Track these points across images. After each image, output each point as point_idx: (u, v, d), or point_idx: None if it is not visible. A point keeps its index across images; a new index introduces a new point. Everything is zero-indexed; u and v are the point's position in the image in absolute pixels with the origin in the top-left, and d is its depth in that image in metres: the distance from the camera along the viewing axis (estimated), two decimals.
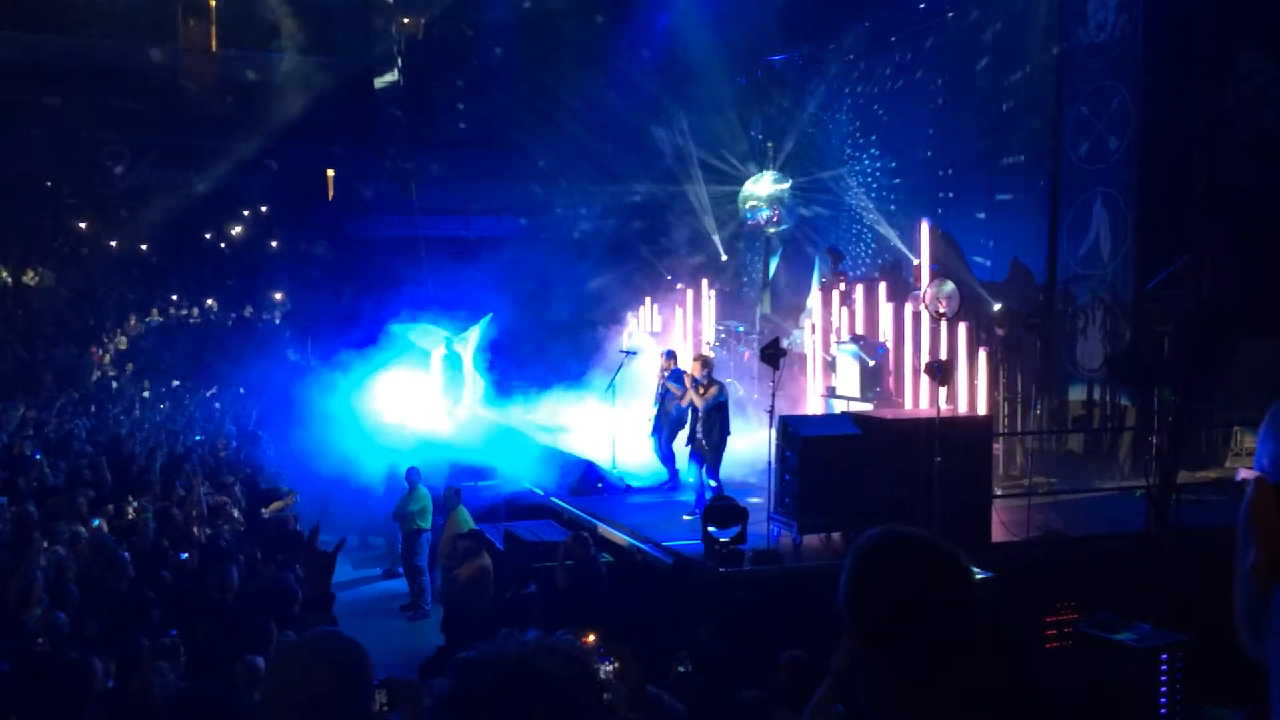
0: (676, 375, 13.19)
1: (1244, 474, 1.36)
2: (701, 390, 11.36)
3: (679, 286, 20.28)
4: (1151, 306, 12.06)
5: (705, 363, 11.53)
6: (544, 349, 21.03)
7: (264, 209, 30.04)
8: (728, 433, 11.46)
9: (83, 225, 28.35)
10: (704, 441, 11.37)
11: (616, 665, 3.90)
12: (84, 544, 7.99)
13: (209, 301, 27.85)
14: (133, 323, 24.92)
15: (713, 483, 11.37)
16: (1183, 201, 12.85)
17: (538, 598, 9.39)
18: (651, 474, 12.99)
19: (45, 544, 7.52)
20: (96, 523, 8.60)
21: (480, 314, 19.34)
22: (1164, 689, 7.49)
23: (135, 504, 9.00)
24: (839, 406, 13.54)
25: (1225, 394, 11.85)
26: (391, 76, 28.99)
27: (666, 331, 19.17)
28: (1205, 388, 11.64)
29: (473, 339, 18.75)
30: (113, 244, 28.04)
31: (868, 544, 1.93)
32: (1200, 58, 12.82)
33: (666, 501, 12.08)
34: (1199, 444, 12.03)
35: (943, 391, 10.41)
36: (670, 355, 13.45)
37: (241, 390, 21.68)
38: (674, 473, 12.86)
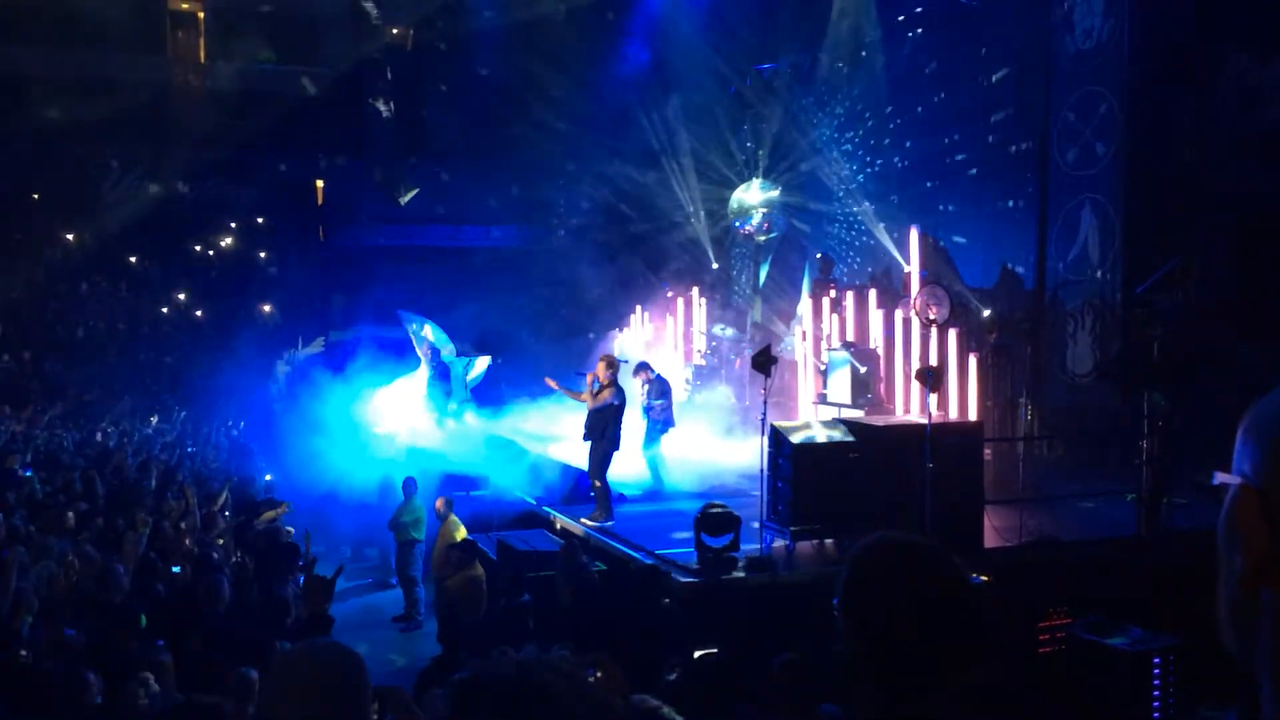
0: (659, 381, 13.25)
1: (1221, 478, 1.35)
2: (596, 392, 11.40)
3: (670, 294, 20.32)
4: (1141, 311, 12.11)
5: (610, 364, 11.58)
6: (535, 358, 21.02)
7: (253, 219, 30.00)
8: (616, 442, 11.39)
9: (70, 237, 28.28)
10: (586, 440, 11.40)
11: (599, 675, 3.89)
12: (73, 557, 7.96)
13: (197, 312, 27.79)
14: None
15: (598, 483, 11.36)
16: (1171, 205, 12.92)
17: (532, 607, 9.37)
18: (642, 483, 12.99)
19: (33, 559, 7.48)
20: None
21: (473, 324, 19.33)
22: (1156, 692, 7.51)
23: (140, 516, 8.96)
24: (830, 413, 13.55)
25: (1216, 397, 11.90)
26: (380, 87, 29.00)
27: (657, 339, 19.21)
28: (1195, 391, 11.69)
29: (476, 368, 18.72)
30: (99, 254, 27.95)
31: (865, 550, 1.94)
32: (1186, 61, 12.90)
33: (658, 510, 12.06)
34: (1188, 447, 12.09)
35: (934, 398, 10.43)
36: (644, 367, 13.51)
37: (225, 400, 21.59)
38: (659, 479, 12.93)
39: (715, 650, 7.89)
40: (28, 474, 11.77)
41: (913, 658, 1.85)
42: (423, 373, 18.06)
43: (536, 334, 23.25)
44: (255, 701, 5.29)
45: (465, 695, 1.52)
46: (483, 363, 18.90)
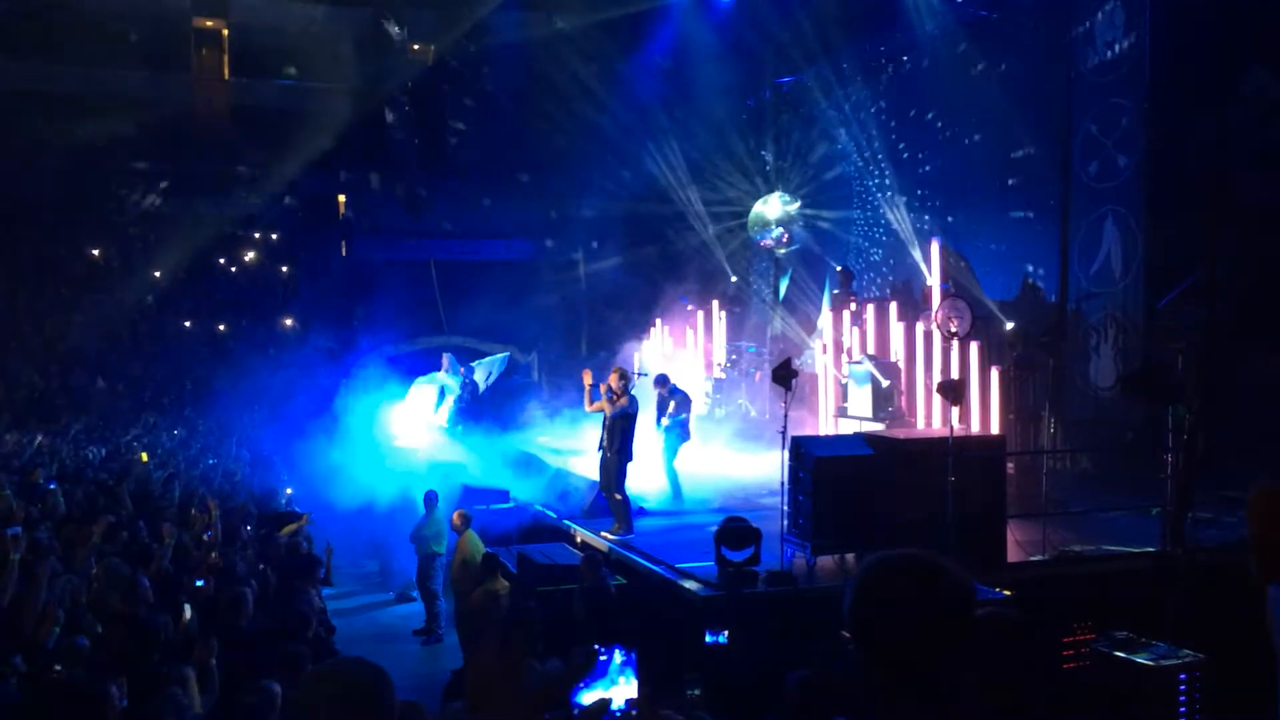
0: (677, 393, 13.27)
1: None
2: (614, 399, 11.47)
3: (689, 308, 20.34)
4: (1164, 324, 12.05)
5: (623, 375, 11.65)
6: (555, 371, 21.07)
7: (275, 234, 30.24)
8: (629, 452, 11.46)
9: (96, 253, 28.57)
10: (606, 452, 11.45)
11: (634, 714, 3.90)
12: (99, 569, 8.00)
13: (220, 326, 27.98)
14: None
15: (618, 496, 11.41)
16: (1193, 218, 12.85)
17: (540, 614, 9.35)
18: (662, 496, 13.00)
19: (60, 571, 7.53)
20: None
21: (492, 337, 19.39)
22: (1183, 709, 7.43)
23: (166, 527, 9.02)
24: (851, 426, 13.52)
25: (1240, 410, 11.80)
26: (401, 103, 29.21)
27: (676, 353, 19.22)
28: (1219, 404, 11.60)
29: (486, 370, 18.77)
30: (126, 271, 28.23)
31: (868, 568, 1.99)
32: (1207, 75, 12.85)
33: (678, 524, 12.05)
34: (1213, 461, 11.99)
35: (955, 411, 10.39)
36: (662, 380, 13.57)
37: (247, 413, 21.71)
38: (678, 492, 12.92)
39: (725, 641, 7.88)
40: (51, 486, 11.85)
41: (919, 671, 1.88)
42: (446, 384, 18.11)
43: (555, 347, 23.31)
44: (277, 715, 5.31)
45: None
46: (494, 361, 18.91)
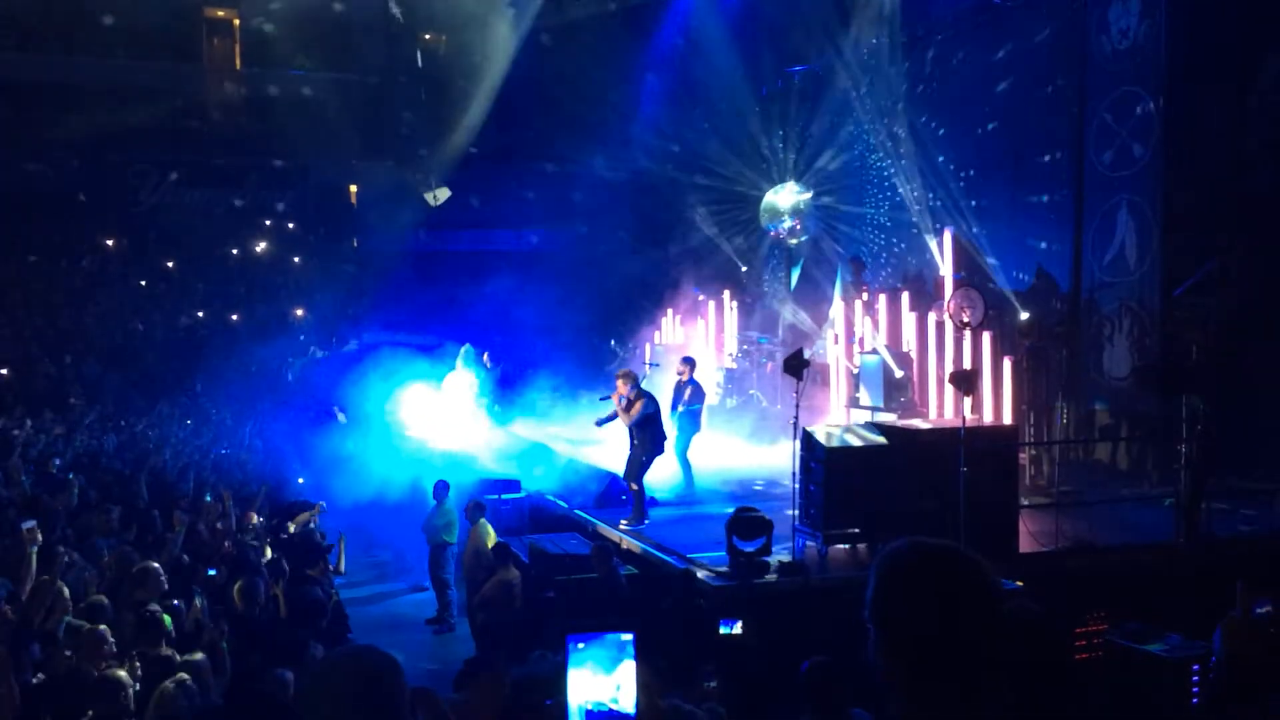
0: (693, 384, 13.24)
1: None
2: (626, 407, 11.48)
3: (700, 298, 20.31)
4: (1179, 313, 11.97)
5: (628, 376, 11.63)
6: (567, 362, 21.05)
7: (287, 224, 30.27)
8: (656, 445, 11.56)
9: (110, 243, 28.65)
10: (638, 453, 11.51)
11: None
12: (111, 558, 8.04)
13: (233, 316, 28.05)
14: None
15: (634, 486, 11.50)
16: (1210, 207, 12.76)
17: (559, 603, 9.38)
18: (674, 487, 12.99)
19: (68, 559, 7.56)
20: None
21: (502, 328, 19.39)
22: (1195, 700, 7.40)
23: (176, 515, 9.06)
24: (863, 416, 13.49)
25: (1257, 400, 11.74)
26: (414, 92, 29.20)
27: (688, 341, 19.21)
28: (1235, 394, 11.54)
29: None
30: (139, 261, 28.32)
31: (893, 555, 1.94)
32: (1223, 63, 12.75)
33: (690, 514, 12.05)
34: (1228, 452, 11.93)
35: (968, 401, 10.36)
36: (689, 362, 13.51)
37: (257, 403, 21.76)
38: (691, 481, 12.92)
39: (739, 632, 7.88)
40: (70, 477, 11.90)
41: (943, 667, 1.84)
42: (466, 376, 18.10)
43: (567, 338, 23.28)
44: (290, 702, 5.33)
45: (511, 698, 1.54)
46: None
